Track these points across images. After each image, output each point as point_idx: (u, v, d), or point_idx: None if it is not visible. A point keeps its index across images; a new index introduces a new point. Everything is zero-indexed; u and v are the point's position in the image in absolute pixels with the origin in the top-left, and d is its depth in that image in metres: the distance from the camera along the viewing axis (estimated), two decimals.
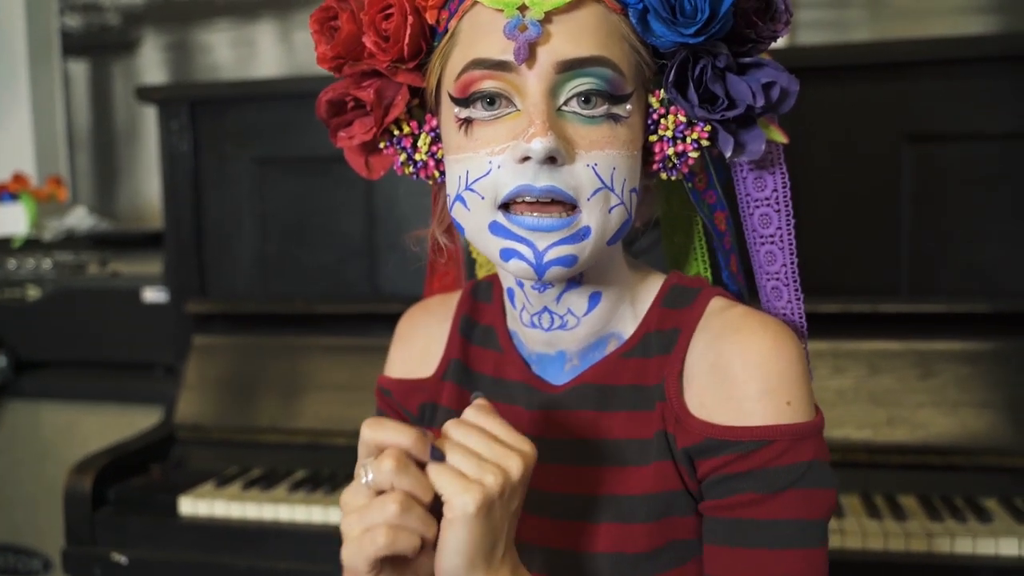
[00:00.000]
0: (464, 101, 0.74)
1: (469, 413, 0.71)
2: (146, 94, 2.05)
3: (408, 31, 0.75)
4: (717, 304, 0.81)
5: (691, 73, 0.74)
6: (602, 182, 0.73)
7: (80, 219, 2.45)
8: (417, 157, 0.82)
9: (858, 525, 1.41)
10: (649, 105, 0.77)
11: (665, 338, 0.81)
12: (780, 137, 0.80)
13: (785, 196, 0.83)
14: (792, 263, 0.84)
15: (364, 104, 0.80)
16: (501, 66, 0.72)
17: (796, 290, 0.84)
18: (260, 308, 1.96)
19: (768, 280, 0.85)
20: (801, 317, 0.85)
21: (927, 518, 1.44)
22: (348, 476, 1.71)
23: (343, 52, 0.78)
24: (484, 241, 0.76)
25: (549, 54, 0.71)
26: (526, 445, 0.70)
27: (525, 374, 0.87)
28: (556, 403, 0.84)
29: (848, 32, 2.25)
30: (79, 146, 2.94)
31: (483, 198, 0.74)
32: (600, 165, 0.73)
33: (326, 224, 1.99)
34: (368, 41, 0.77)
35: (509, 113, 0.73)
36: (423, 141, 0.81)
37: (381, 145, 0.83)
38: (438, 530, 0.67)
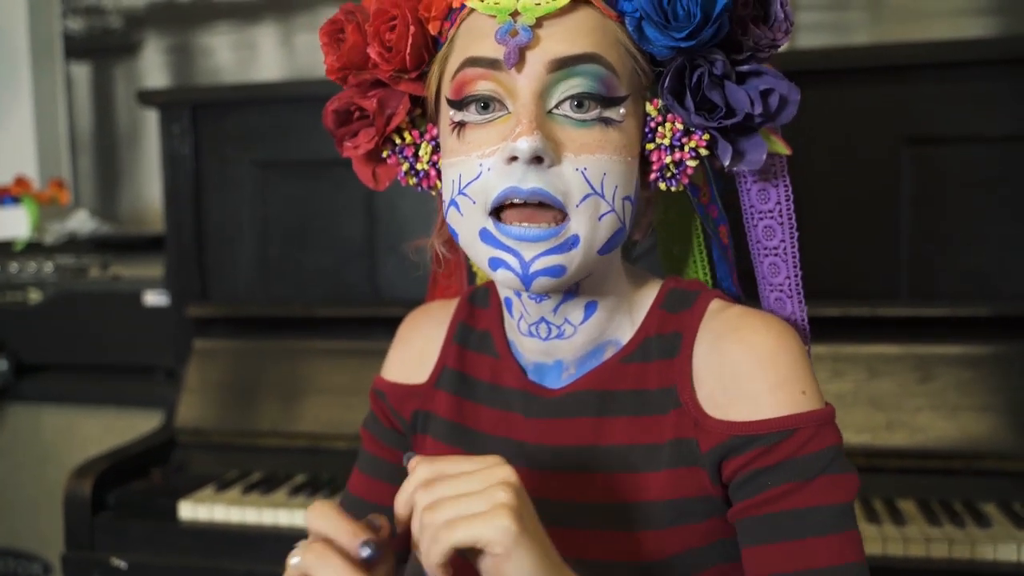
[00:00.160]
0: (458, 104, 0.75)
1: (421, 471, 0.66)
2: (147, 98, 2.06)
3: (410, 41, 0.76)
4: (716, 305, 0.81)
5: (688, 80, 0.74)
6: (591, 187, 0.72)
7: (82, 222, 2.45)
8: (419, 167, 0.83)
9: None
10: (647, 114, 0.77)
11: (666, 342, 0.81)
12: (783, 149, 0.79)
13: (789, 209, 0.82)
14: (796, 275, 0.84)
15: (368, 114, 0.81)
16: (494, 64, 0.72)
17: (800, 302, 0.84)
18: (261, 312, 1.96)
19: (772, 291, 0.85)
20: (806, 329, 0.85)
21: (926, 523, 1.44)
22: (346, 481, 1.72)
23: (349, 62, 0.80)
24: (475, 249, 0.76)
25: (540, 55, 0.72)
26: (492, 456, 0.67)
27: (522, 381, 0.86)
28: (555, 409, 0.84)
29: (848, 34, 2.25)
30: (81, 149, 2.94)
31: (474, 202, 0.74)
32: (590, 169, 0.72)
33: (327, 227, 1.99)
34: (372, 52, 0.78)
35: (501, 116, 0.73)
36: (424, 150, 0.82)
37: (384, 154, 0.84)
38: None
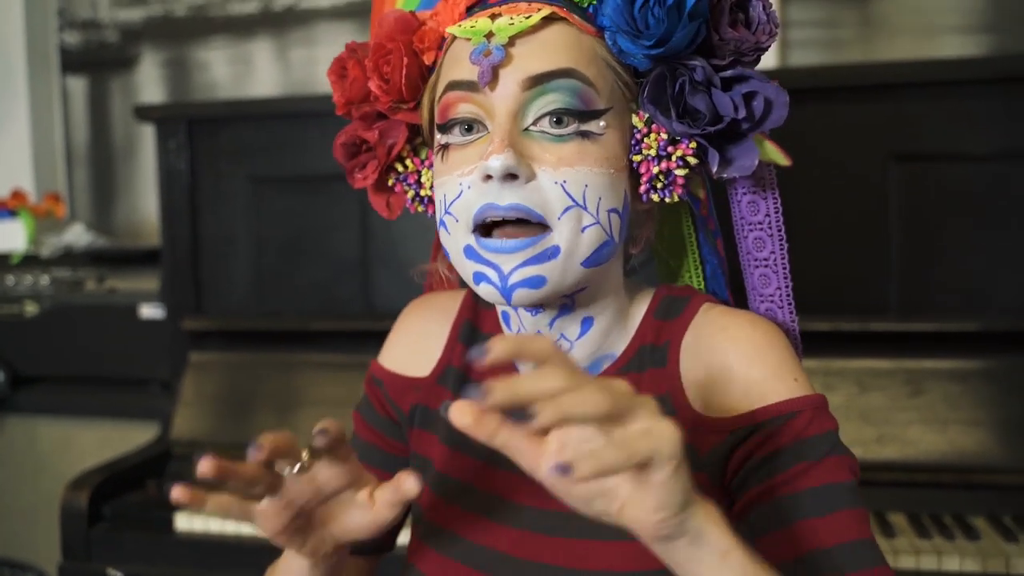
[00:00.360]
0: (444, 127, 0.76)
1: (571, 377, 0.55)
2: (144, 113, 2.07)
3: (404, 72, 0.79)
4: (704, 308, 0.81)
5: (671, 88, 0.74)
6: (572, 200, 0.72)
7: (78, 236, 2.46)
8: (422, 193, 0.85)
9: None
10: (633, 126, 0.77)
11: (659, 352, 0.81)
12: (782, 159, 0.79)
13: (778, 221, 0.83)
14: (787, 286, 0.84)
15: (372, 145, 0.84)
16: (472, 86, 0.73)
17: (791, 312, 0.85)
18: (255, 325, 1.97)
19: (762, 302, 0.86)
20: (797, 338, 0.85)
21: (915, 535, 1.45)
22: None
23: (352, 97, 0.82)
24: (462, 266, 0.77)
25: (514, 73, 0.73)
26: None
27: None
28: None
29: (840, 51, 2.27)
30: (77, 162, 2.95)
31: (458, 220, 0.75)
32: (569, 182, 0.72)
33: (321, 241, 2.00)
34: (372, 85, 0.80)
35: (481, 136, 0.75)
36: (426, 177, 0.84)
37: (390, 183, 0.86)
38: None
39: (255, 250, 2.04)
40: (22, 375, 2.31)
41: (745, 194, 0.83)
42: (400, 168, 0.85)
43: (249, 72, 2.76)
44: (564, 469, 0.52)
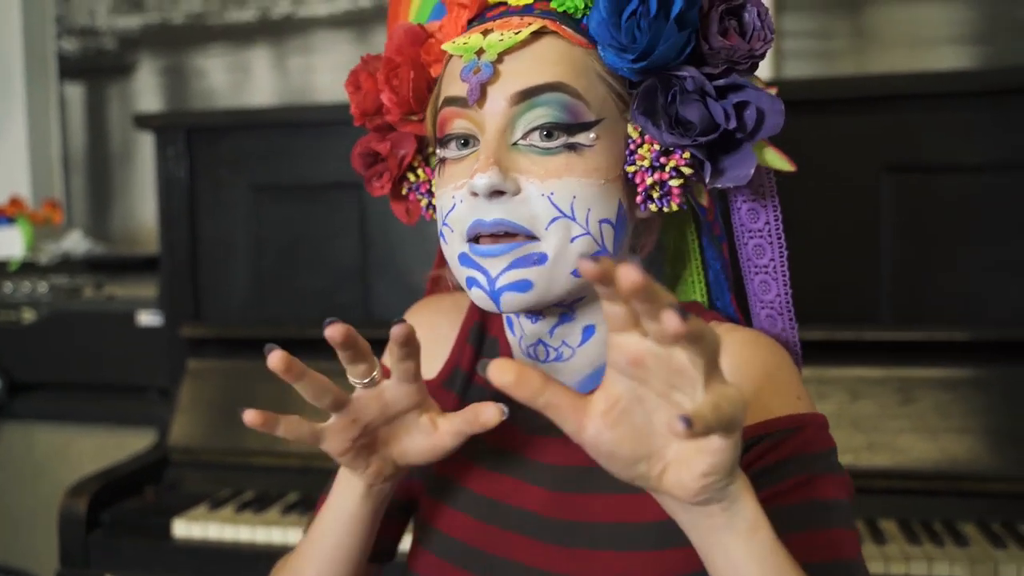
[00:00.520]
0: (441, 141, 0.78)
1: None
2: (144, 121, 2.08)
3: (411, 85, 0.81)
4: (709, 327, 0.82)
5: (660, 99, 0.74)
6: (559, 211, 0.73)
7: (76, 243, 2.48)
8: (434, 201, 0.86)
9: None
10: (628, 136, 0.77)
11: None
12: (786, 165, 0.78)
13: (778, 228, 0.83)
14: (786, 293, 0.84)
15: (384, 156, 0.86)
16: (465, 103, 0.75)
17: (791, 319, 0.85)
18: (254, 332, 1.98)
19: (763, 308, 0.86)
20: (796, 345, 0.86)
21: (906, 542, 1.47)
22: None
23: (365, 109, 0.84)
24: (458, 273, 0.78)
25: (502, 89, 0.74)
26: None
27: None
28: (556, 428, 0.85)
29: (833, 61, 2.30)
30: (74, 169, 2.97)
31: (453, 231, 0.76)
32: (557, 194, 0.73)
33: (320, 249, 2.02)
34: (384, 97, 0.82)
35: (474, 151, 0.76)
36: (435, 186, 0.85)
37: (403, 192, 0.88)
38: None
39: (254, 258, 2.06)
40: (19, 382, 2.32)
41: (745, 201, 0.83)
42: (412, 178, 0.87)
43: (247, 80, 2.78)
44: (687, 422, 0.48)
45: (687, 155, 0.75)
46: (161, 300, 2.12)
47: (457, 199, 0.75)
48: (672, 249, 0.94)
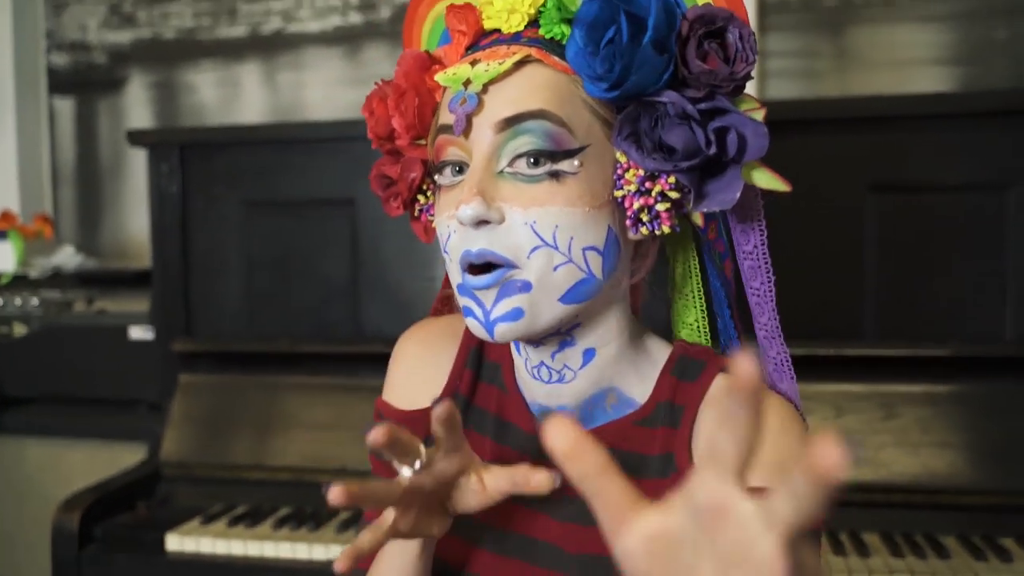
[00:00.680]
0: (437, 168, 0.80)
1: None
2: (137, 138, 2.10)
3: (415, 111, 0.83)
4: (723, 382, 0.80)
5: (642, 124, 0.73)
6: (541, 240, 0.74)
7: (67, 257, 2.49)
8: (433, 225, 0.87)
9: (824, 561, 1.46)
10: (616, 161, 0.77)
11: (675, 413, 0.81)
12: (778, 184, 0.76)
13: (764, 252, 0.82)
14: (776, 319, 0.84)
15: (395, 180, 0.89)
16: (454, 130, 0.77)
17: (782, 343, 0.84)
18: (246, 347, 2.00)
19: (760, 329, 0.85)
20: (791, 369, 0.84)
21: (889, 555, 1.50)
22: (331, 513, 1.76)
23: (379, 133, 0.86)
24: (458, 300, 0.80)
25: (487, 118, 0.75)
26: None
27: (529, 423, 0.87)
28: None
29: (816, 81, 2.34)
30: (63, 183, 2.97)
31: (451, 259, 0.78)
32: (539, 223, 0.74)
33: (311, 265, 2.04)
34: (394, 122, 0.84)
35: (463, 179, 0.77)
36: (435, 212, 0.87)
37: (415, 213, 0.90)
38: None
39: (246, 274, 2.07)
40: (10, 396, 2.33)
41: (738, 223, 0.83)
42: (422, 200, 0.89)
43: (237, 95, 2.80)
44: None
45: (672, 179, 0.74)
46: (153, 315, 2.13)
47: (451, 228, 0.77)
48: (675, 265, 0.93)
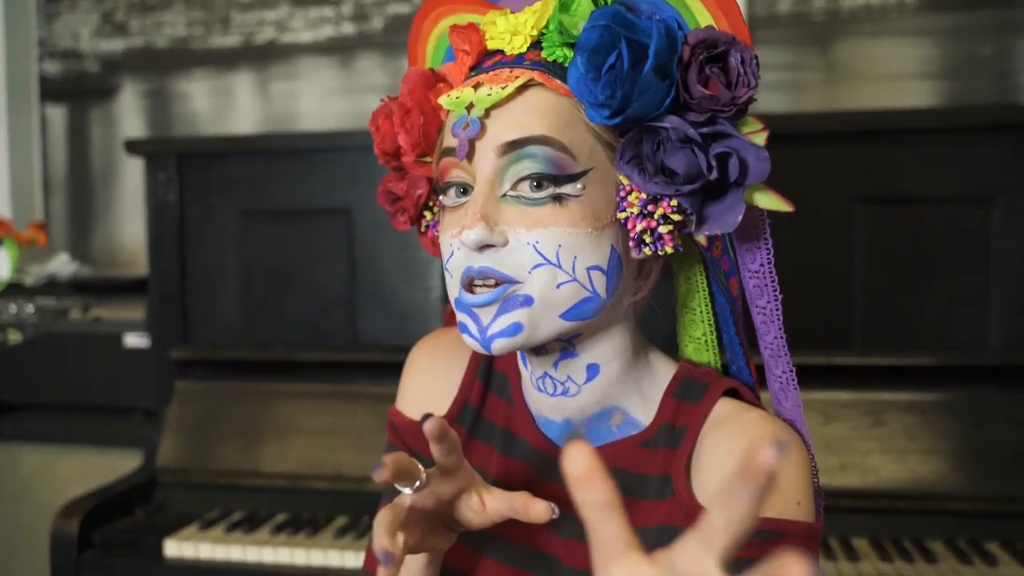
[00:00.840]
0: (441, 189, 0.81)
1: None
2: (134, 147, 2.12)
3: (420, 129, 0.84)
4: (727, 406, 0.81)
5: (645, 148, 0.73)
6: (544, 258, 0.74)
7: (62, 265, 2.49)
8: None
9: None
10: (619, 183, 0.77)
11: (676, 434, 0.81)
12: (781, 205, 0.75)
13: (771, 271, 0.82)
14: (782, 337, 0.83)
15: (401, 196, 0.90)
16: (457, 155, 0.78)
17: (788, 362, 0.83)
18: (242, 355, 2.02)
19: (765, 349, 0.85)
20: (796, 387, 0.83)
21: (878, 559, 1.54)
22: (328, 519, 1.77)
23: (385, 150, 0.87)
24: (458, 315, 0.80)
25: (490, 142, 0.75)
26: None
27: (536, 437, 0.88)
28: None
29: (804, 93, 2.38)
30: (54, 190, 2.98)
31: (452, 277, 0.78)
32: (542, 243, 0.74)
33: (308, 274, 2.06)
34: (400, 139, 0.85)
35: (467, 201, 0.78)
36: (440, 231, 0.87)
37: (422, 229, 0.91)
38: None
39: (242, 282, 2.09)
40: (5, 403, 2.34)
41: (742, 243, 0.83)
42: (428, 216, 0.90)
43: (230, 105, 2.81)
44: None
45: (675, 202, 0.74)
46: (149, 322, 2.15)
47: (455, 247, 0.77)
48: (679, 281, 0.93)
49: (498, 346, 0.76)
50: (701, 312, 0.91)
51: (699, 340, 0.91)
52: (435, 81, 0.86)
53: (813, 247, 1.79)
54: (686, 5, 0.76)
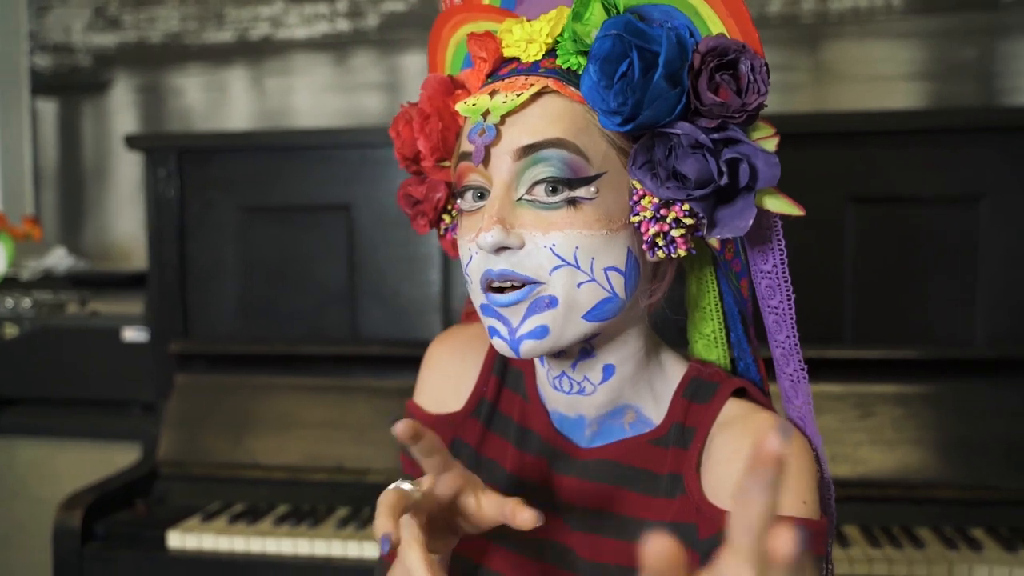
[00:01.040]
0: (459, 193, 0.83)
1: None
2: (134, 142, 2.14)
3: (439, 135, 0.86)
4: (735, 407, 0.83)
5: (657, 154, 0.75)
6: (562, 260, 0.76)
7: (59, 259, 2.51)
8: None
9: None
10: (633, 187, 0.78)
11: (686, 434, 0.83)
12: (792, 209, 0.78)
13: (784, 272, 0.83)
14: (795, 335, 0.84)
15: (421, 200, 0.92)
16: (473, 160, 0.80)
17: (799, 360, 0.85)
18: (242, 349, 2.04)
19: (776, 347, 0.86)
20: (807, 385, 0.85)
21: (868, 545, 1.58)
22: (328, 511, 1.80)
23: (406, 154, 0.90)
24: (482, 321, 0.83)
25: (506, 147, 0.77)
26: None
27: (549, 432, 0.90)
28: (580, 470, 0.88)
29: (793, 93, 2.42)
30: (45, 184, 2.98)
31: (472, 281, 0.80)
32: (559, 245, 0.75)
33: (308, 270, 2.08)
34: (420, 144, 0.87)
35: (484, 205, 0.79)
36: (457, 235, 0.89)
37: (442, 232, 0.93)
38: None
39: (242, 279, 2.11)
40: (2, 396, 2.34)
41: (755, 244, 0.84)
42: (447, 219, 0.92)
43: (224, 100, 2.83)
44: None
45: (687, 207, 0.75)
46: (148, 317, 2.16)
47: (473, 251, 0.79)
48: (690, 281, 0.94)
49: (526, 348, 0.78)
50: (711, 311, 0.93)
51: (708, 337, 0.93)
52: (453, 87, 0.88)
53: (804, 245, 1.83)
54: (698, 13, 0.77)
